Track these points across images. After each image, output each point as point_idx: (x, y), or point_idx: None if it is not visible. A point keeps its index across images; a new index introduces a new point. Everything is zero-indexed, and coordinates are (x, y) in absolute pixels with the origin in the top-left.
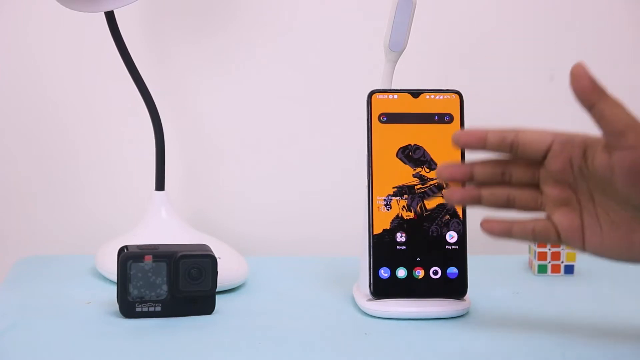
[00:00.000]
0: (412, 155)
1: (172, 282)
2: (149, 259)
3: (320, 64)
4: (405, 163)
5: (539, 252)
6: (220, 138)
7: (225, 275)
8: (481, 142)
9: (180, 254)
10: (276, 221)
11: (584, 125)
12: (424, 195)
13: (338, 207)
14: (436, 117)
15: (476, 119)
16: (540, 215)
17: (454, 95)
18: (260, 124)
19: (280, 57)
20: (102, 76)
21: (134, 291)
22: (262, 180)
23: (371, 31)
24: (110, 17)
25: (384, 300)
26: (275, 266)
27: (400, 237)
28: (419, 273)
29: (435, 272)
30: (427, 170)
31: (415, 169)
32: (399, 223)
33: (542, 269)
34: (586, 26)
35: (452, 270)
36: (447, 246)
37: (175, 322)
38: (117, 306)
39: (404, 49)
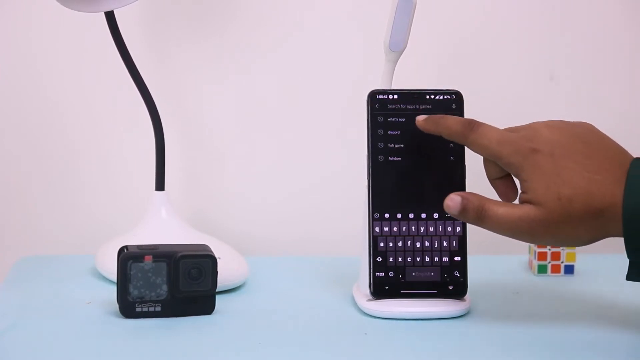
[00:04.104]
0: None
1: (172, 282)
2: (149, 259)
3: (320, 64)
4: None
5: (539, 252)
6: (220, 138)
7: (225, 275)
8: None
9: (180, 254)
10: (276, 221)
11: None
12: None
13: (338, 207)
14: None
15: (476, 118)
16: None
17: (454, 96)
18: (260, 124)
19: (280, 57)
20: (102, 76)
21: (134, 291)
22: (262, 180)
23: (371, 31)
24: (110, 17)
25: (384, 300)
26: (275, 266)
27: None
28: (419, 273)
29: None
30: None
31: None
32: None
33: (542, 269)
34: (586, 25)
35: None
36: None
37: (175, 322)
38: (117, 306)
39: (404, 49)
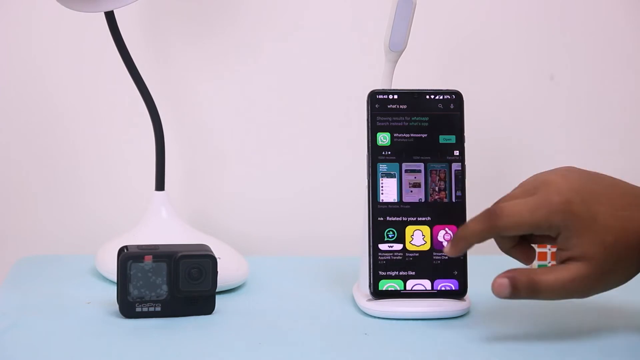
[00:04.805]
0: None
1: (172, 282)
2: (149, 259)
3: (320, 64)
4: None
5: (539, 252)
6: (220, 138)
7: (225, 275)
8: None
9: (180, 254)
10: (276, 220)
11: (582, 123)
12: None
13: (338, 206)
14: None
15: (476, 119)
16: None
17: (454, 96)
18: (260, 124)
19: (279, 58)
20: (102, 76)
21: (134, 291)
22: (262, 179)
23: (371, 31)
24: (110, 17)
25: (384, 300)
26: (275, 266)
27: None
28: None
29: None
30: None
31: None
32: None
33: None
34: (586, 25)
35: (452, 271)
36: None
37: (175, 322)
38: (117, 306)
39: (404, 49)
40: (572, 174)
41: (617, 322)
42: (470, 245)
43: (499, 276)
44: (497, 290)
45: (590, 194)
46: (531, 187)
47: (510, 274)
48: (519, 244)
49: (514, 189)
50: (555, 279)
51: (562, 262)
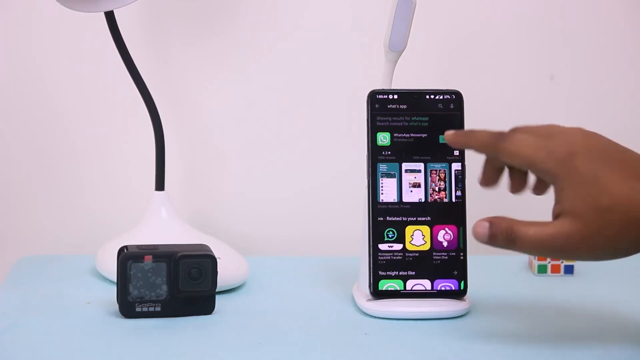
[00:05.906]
0: None
1: (172, 282)
2: (148, 259)
3: (320, 64)
4: None
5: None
6: (220, 138)
7: (225, 275)
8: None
9: (180, 254)
10: (276, 221)
11: (582, 123)
12: None
13: (338, 206)
14: None
15: (476, 119)
16: None
17: (454, 96)
18: (260, 124)
19: (279, 58)
20: (102, 76)
21: (133, 291)
22: (262, 179)
23: (371, 31)
24: (110, 17)
25: (384, 300)
26: (275, 266)
27: None
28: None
29: None
30: None
31: None
32: None
33: (542, 269)
34: (586, 25)
35: (452, 271)
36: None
37: (175, 322)
38: (117, 306)
39: (404, 49)
40: (596, 134)
41: (618, 325)
42: (468, 145)
43: (481, 219)
44: (475, 233)
45: (602, 154)
46: (544, 132)
47: (491, 219)
48: (514, 170)
49: (526, 125)
50: (535, 232)
51: (555, 218)
